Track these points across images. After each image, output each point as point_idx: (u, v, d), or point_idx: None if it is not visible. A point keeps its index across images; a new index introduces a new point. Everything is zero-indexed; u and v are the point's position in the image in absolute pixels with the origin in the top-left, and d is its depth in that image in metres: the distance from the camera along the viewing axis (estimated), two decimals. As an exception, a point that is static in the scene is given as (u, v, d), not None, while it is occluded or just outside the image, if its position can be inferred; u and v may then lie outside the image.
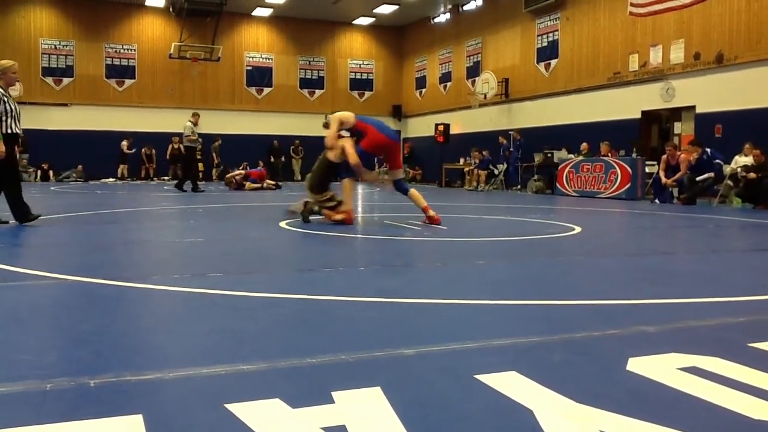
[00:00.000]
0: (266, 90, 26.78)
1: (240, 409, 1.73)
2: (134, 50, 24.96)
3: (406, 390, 1.92)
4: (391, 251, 5.69)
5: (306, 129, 26.83)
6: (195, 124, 15.63)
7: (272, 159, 24.66)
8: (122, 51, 24.83)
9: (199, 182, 15.87)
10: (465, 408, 1.79)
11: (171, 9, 24.62)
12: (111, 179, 23.39)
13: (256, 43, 26.63)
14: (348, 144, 7.46)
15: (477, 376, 2.03)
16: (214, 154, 23.97)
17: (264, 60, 26.73)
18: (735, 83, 13.85)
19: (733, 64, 13.92)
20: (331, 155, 7.59)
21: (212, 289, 3.51)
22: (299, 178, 26.13)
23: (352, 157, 7.39)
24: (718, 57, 14.22)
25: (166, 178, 24.39)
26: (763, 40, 13.31)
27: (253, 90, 26.61)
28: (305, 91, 27.46)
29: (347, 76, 28.10)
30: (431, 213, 7.57)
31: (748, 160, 12.19)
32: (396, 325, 2.81)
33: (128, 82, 24.93)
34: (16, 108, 6.85)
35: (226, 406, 1.75)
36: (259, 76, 26.65)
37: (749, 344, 2.46)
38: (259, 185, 17.38)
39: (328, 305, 3.19)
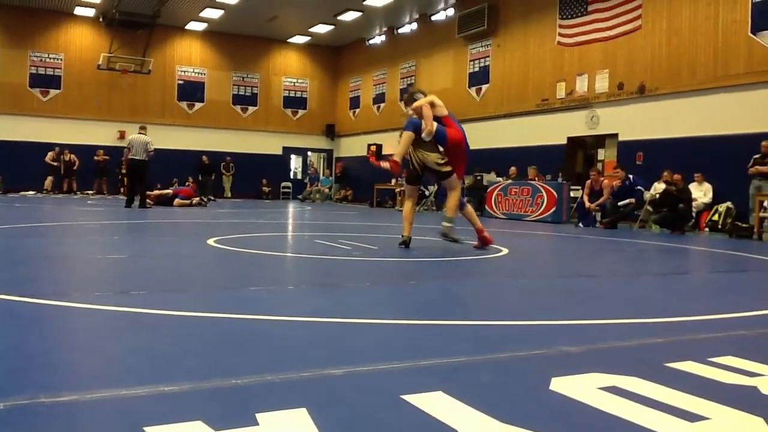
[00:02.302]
0: (198, 105, 26.40)
1: (160, 432, 1.68)
2: (61, 59, 24.23)
3: (333, 410, 1.90)
4: (320, 270, 5.66)
5: (238, 146, 26.56)
6: None
7: (200, 176, 24.15)
8: (48, 60, 24.07)
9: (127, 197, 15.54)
10: (390, 429, 1.79)
11: (101, 19, 24.04)
12: (31, 192, 22.50)
13: (188, 57, 26.26)
14: (427, 108, 6.91)
15: (404, 397, 2.02)
16: None
17: (196, 74, 26.37)
18: (655, 113, 14.48)
19: (654, 95, 14.56)
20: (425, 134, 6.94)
21: (135, 307, 3.41)
22: (229, 195, 25.77)
23: (428, 119, 6.86)
24: (640, 88, 14.84)
25: (90, 192, 23.64)
26: (682, 73, 13.98)
27: (184, 104, 26.19)
28: (238, 108, 27.21)
29: (281, 94, 28.01)
30: (486, 234, 7.27)
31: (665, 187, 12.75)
32: (324, 345, 2.78)
33: (53, 92, 24.15)
34: None
35: (146, 429, 1.69)
36: (191, 91, 26.26)
37: (666, 364, 2.54)
38: (187, 202, 17.08)
39: (255, 324, 3.14)
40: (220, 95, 26.77)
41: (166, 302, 3.61)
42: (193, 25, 25.43)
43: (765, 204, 11.34)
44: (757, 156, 11.92)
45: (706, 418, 1.94)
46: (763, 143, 11.86)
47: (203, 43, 26.45)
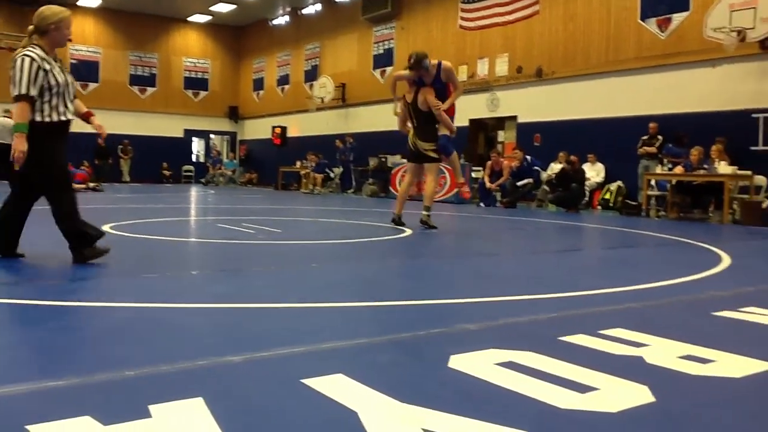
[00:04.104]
0: (92, 85, 25.19)
1: (44, 431, 1.59)
2: (-64, 36, 22.51)
3: (230, 399, 1.86)
4: (222, 255, 5.55)
5: (136, 128, 25.55)
6: None
7: (96, 160, 22.95)
8: None
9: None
10: (289, 414, 1.77)
11: (-18, -7, 22.46)
12: None
13: (81, 35, 24.94)
14: (443, 114, 7.69)
15: (304, 381, 2.01)
16: None
17: (90, 53, 25.14)
18: (552, 96, 14.97)
19: (550, 79, 15.04)
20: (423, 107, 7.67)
21: (22, 298, 3.23)
22: (128, 179, 24.82)
23: (447, 123, 7.80)
24: (537, 71, 15.29)
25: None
26: (577, 57, 14.49)
27: (77, 85, 24.84)
28: (136, 89, 26.16)
29: (182, 75, 27.11)
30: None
31: (562, 167, 13.25)
32: (223, 332, 2.73)
33: (-71, 70, 22.42)
34: (66, 81, 4.42)
35: (29, 428, 1.60)
36: (85, 71, 24.98)
37: (559, 338, 2.64)
38: (83, 186, 16.35)
39: (151, 313, 3.04)
40: (116, 75, 25.63)
41: (56, 292, 3.44)
42: (85, 1, 24.16)
43: (652, 182, 11.97)
44: (645, 137, 12.56)
45: (596, 389, 2.03)
46: (651, 125, 12.50)
47: (97, 21, 25.21)
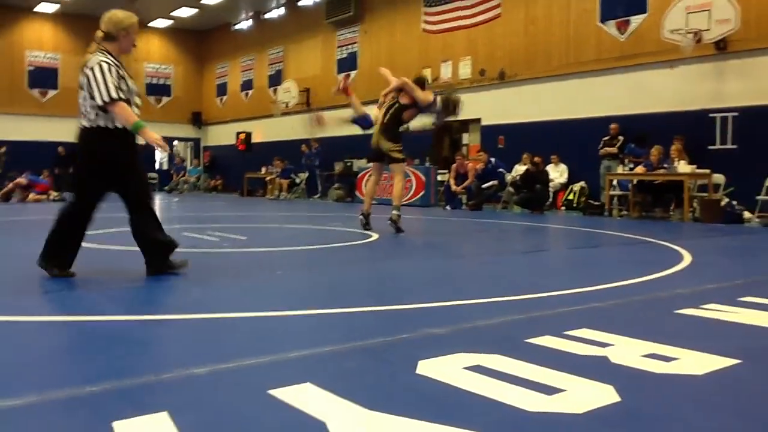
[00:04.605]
0: (51, 92, 24.69)
1: (2, 451, 1.55)
2: None
3: (196, 412, 1.83)
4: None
5: (97, 135, 25.09)
6: None
7: (56, 169, 22.42)
8: None
9: None
10: (257, 426, 1.75)
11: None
12: None
13: (39, 40, 24.46)
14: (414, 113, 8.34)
15: (271, 391, 1.99)
16: None
17: (49, 60, 24.64)
18: (515, 98, 15.11)
19: (513, 81, 15.18)
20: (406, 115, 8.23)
21: (-22, 314, 3.14)
22: (90, 187, 24.33)
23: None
24: (500, 74, 15.42)
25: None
26: (538, 59, 14.66)
27: (36, 92, 24.41)
28: (96, 95, 25.67)
29: (143, 81, 26.70)
30: None
31: (526, 168, 13.38)
32: (188, 343, 2.69)
33: None
34: (134, 87, 4.38)
35: (-15, 448, 1.56)
36: (44, 77, 24.49)
37: (526, 340, 2.66)
38: (44, 197, 16.03)
39: (112, 326, 2.98)
40: (76, 82, 24.74)
41: (12, 308, 3.35)
42: (43, 7, 23.68)
43: (614, 183, 12.15)
44: (606, 138, 12.74)
45: (562, 390, 2.04)
46: (612, 126, 12.69)
47: (56, 26, 24.71)
